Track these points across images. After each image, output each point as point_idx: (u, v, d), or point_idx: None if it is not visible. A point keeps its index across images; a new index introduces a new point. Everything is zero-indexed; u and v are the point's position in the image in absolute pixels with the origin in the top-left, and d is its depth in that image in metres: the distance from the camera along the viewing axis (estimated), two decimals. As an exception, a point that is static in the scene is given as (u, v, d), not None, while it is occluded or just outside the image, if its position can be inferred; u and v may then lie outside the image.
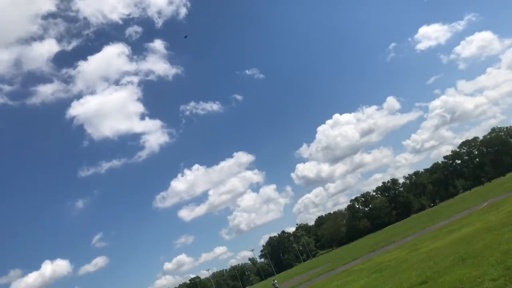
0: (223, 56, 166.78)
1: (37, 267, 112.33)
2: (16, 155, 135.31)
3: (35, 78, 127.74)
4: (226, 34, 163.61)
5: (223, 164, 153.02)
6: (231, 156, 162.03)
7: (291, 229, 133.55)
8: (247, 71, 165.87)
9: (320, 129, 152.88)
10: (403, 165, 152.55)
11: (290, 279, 47.21)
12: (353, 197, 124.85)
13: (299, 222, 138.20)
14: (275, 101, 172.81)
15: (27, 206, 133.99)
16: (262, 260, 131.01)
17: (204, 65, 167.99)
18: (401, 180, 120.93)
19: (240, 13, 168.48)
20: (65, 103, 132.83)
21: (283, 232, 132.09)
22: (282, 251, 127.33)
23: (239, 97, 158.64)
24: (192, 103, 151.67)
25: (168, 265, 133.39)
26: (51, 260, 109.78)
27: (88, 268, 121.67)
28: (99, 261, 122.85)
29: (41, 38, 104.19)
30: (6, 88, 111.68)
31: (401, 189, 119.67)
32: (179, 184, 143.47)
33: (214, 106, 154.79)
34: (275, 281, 37.18)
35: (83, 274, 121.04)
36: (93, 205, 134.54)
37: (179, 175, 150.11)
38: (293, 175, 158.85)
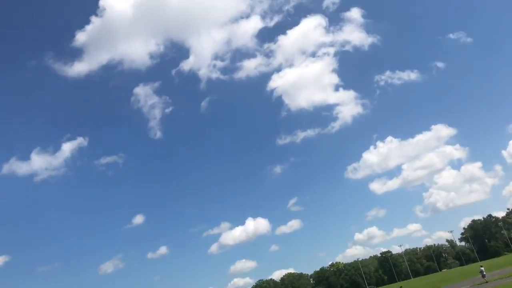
0: (423, 20, 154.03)
1: (242, 222, 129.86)
2: (226, 123, 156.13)
3: (242, 54, 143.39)
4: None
5: (419, 137, 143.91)
6: (429, 129, 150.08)
7: (500, 214, 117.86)
8: (451, 35, 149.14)
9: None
10: None
11: (500, 269, 42.73)
12: None
13: (510, 207, 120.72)
14: (485, 68, 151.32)
15: (235, 168, 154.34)
16: (463, 243, 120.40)
17: (402, 32, 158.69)
18: None
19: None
20: (266, 76, 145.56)
21: (489, 216, 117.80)
22: (488, 237, 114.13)
23: (440, 64, 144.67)
24: (388, 73, 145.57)
25: (358, 236, 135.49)
26: (253, 218, 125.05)
27: (284, 229, 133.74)
28: (294, 224, 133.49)
29: (248, 16, 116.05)
30: (219, 63, 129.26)
31: None
32: (371, 156, 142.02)
33: (411, 75, 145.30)
34: (483, 268, 34.42)
35: (279, 234, 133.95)
36: (289, 171, 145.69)
37: (371, 147, 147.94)
38: (504, 152, 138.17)
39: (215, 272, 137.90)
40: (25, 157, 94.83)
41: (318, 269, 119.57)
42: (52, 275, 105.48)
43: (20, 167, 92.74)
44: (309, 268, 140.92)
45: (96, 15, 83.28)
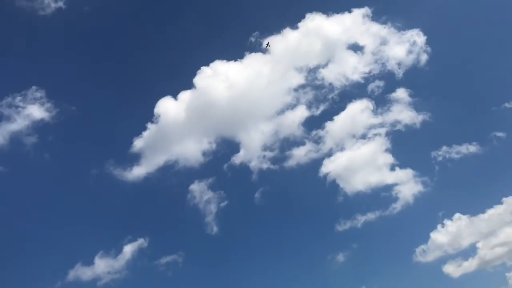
0: (473, 92, 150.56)
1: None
2: (281, 213, 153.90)
3: (290, 142, 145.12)
4: (475, 69, 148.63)
5: (491, 211, 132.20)
6: (500, 202, 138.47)
7: None
8: (506, 104, 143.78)
9: None
10: None
11: None
12: None
13: None
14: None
15: (295, 259, 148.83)
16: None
17: (453, 105, 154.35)
18: None
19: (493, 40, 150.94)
20: (318, 162, 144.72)
21: None
22: None
23: (500, 134, 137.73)
24: (445, 148, 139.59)
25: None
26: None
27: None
28: None
29: (293, 106, 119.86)
30: (269, 154, 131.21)
31: None
32: (440, 236, 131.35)
33: (470, 148, 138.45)
34: None
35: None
36: (353, 258, 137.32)
37: (439, 226, 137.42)
38: None
39: None
40: (90, 262, 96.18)
41: None
42: None
43: (84, 272, 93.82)
44: None
45: (152, 122, 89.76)
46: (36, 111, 71.85)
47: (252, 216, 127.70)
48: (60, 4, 73.89)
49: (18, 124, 73.84)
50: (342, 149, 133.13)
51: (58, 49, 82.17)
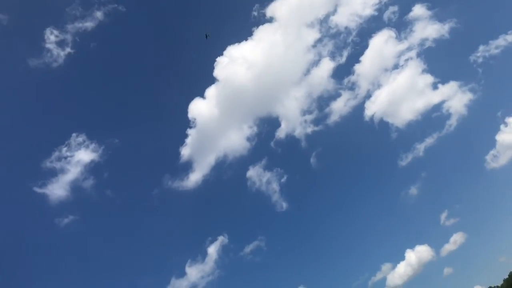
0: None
1: (402, 257, 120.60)
2: (340, 168, 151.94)
3: (325, 99, 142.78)
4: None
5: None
6: None
7: None
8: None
9: None
10: None
11: None
12: None
13: None
14: None
15: (371, 208, 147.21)
16: None
17: (477, 2, 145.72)
18: None
19: None
20: (359, 108, 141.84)
21: None
22: None
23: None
24: (481, 47, 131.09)
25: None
26: (411, 248, 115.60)
27: (449, 247, 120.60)
28: (457, 238, 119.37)
29: (317, 62, 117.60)
30: (309, 117, 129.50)
31: None
32: (506, 136, 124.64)
33: (508, 38, 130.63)
34: None
35: (446, 254, 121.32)
36: (426, 187, 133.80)
37: (502, 126, 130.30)
38: None
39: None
40: (182, 274, 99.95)
41: (506, 276, 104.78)
42: None
43: (180, 284, 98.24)
44: (495, 279, 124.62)
45: (190, 127, 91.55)
46: (84, 155, 74.25)
47: (315, 181, 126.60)
48: (68, 49, 75.26)
49: (72, 172, 76.08)
50: (379, 86, 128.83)
51: (82, 91, 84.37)
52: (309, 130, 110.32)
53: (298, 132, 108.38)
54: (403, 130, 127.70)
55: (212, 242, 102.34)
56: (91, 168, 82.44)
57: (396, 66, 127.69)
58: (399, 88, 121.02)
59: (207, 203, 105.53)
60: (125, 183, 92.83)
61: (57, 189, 76.81)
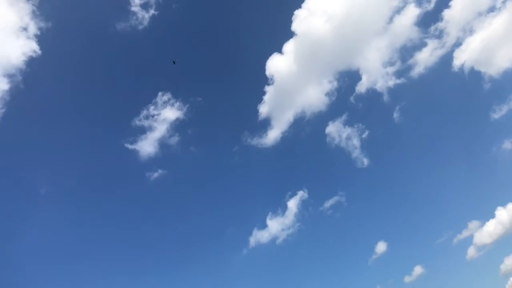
0: None
1: (491, 215, 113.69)
2: (426, 121, 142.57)
3: (409, 49, 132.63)
4: None
5: None
6: None
7: None
8: None
9: None
10: None
11: None
12: None
13: None
14: None
15: (458, 161, 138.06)
16: None
17: None
18: None
19: None
20: (447, 57, 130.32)
21: None
22: None
23: None
24: None
25: None
26: (503, 206, 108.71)
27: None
28: None
29: (401, 9, 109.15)
30: (391, 69, 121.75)
31: None
32: None
33: None
34: None
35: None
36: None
37: None
38: None
39: (483, 277, 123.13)
40: (263, 225, 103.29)
41: None
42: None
43: (262, 235, 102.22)
44: None
45: (268, 84, 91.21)
46: (170, 113, 77.68)
47: (398, 136, 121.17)
48: (152, 11, 77.36)
49: (159, 130, 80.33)
50: (471, 32, 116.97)
51: (166, 52, 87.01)
52: (392, 83, 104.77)
53: (380, 85, 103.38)
54: (497, 79, 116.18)
55: (291, 196, 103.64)
56: (176, 126, 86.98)
57: (492, 9, 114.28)
58: (494, 33, 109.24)
59: (286, 160, 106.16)
60: (207, 140, 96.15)
61: (146, 146, 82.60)
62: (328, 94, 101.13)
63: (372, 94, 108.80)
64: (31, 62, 69.43)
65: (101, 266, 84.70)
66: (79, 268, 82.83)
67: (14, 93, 71.13)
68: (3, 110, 67.34)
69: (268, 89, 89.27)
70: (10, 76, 68.43)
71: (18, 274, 72.80)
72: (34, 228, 77.29)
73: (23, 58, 68.54)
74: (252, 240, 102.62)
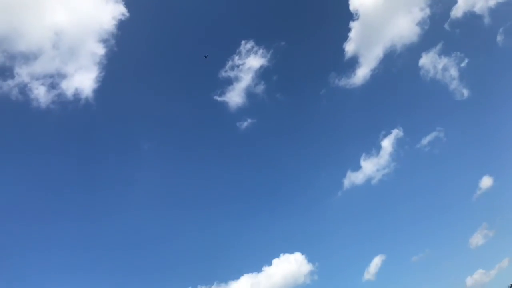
0: None
1: None
2: None
3: None
4: None
5: None
6: None
7: None
8: None
9: None
10: None
11: None
12: None
13: None
14: None
15: None
16: None
17: None
18: None
19: None
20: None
21: None
22: None
23: None
24: None
25: None
26: None
27: None
28: None
29: None
30: None
31: None
32: None
33: None
34: None
35: None
36: None
37: None
38: None
39: None
40: (357, 167, 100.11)
41: None
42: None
43: (356, 177, 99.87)
44: None
45: (353, 20, 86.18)
46: (254, 61, 77.74)
47: (503, 62, 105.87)
48: None
49: (245, 80, 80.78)
50: None
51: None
52: (493, 2, 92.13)
53: (479, 6, 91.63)
54: None
55: (386, 136, 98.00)
56: (261, 74, 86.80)
57: None
58: None
59: (378, 98, 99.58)
60: (293, 86, 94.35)
61: (234, 96, 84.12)
62: (419, 23, 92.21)
63: (471, 17, 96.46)
64: (121, 25, 71.93)
65: (204, 212, 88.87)
66: (183, 212, 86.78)
67: (110, 57, 74.55)
68: (102, 74, 71.44)
69: (353, 25, 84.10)
70: (104, 41, 71.74)
71: (133, 216, 78.08)
72: (143, 178, 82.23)
73: (114, 22, 71.17)
74: (346, 182, 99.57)
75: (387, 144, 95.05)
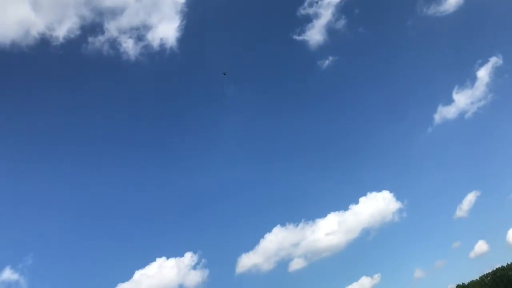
0: None
1: None
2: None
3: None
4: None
5: None
6: None
7: None
8: None
9: None
10: None
11: None
12: None
13: None
14: None
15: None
16: None
17: None
18: None
19: None
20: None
21: None
22: None
23: None
24: None
25: None
26: None
27: None
28: None
29: None
30: None
31: None
32: None
33: None
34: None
35: None
36: None
37: None
38: None
39: None
40: (449, 101, 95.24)
41: None
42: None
43: (448, 111, 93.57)
44: None
45: None
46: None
47: None
48: None
49: (325, 16, 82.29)
50: None
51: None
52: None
53: None
54: None
55: (482, 65, 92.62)
56: (342, 8, 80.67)
57: None
58: None
59: (473, 24, 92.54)
60: (376, 18, 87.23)
61: (315, 34, 78.50)
62: None
63: None
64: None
65: (291, 155, 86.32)
66: (271, 156, 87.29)
67: (190, 4, 78.82)
68: (184, 23, 76.29)
69: None
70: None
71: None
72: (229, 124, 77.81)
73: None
74: (437, 117, 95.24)
75: (483, 74, 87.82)
